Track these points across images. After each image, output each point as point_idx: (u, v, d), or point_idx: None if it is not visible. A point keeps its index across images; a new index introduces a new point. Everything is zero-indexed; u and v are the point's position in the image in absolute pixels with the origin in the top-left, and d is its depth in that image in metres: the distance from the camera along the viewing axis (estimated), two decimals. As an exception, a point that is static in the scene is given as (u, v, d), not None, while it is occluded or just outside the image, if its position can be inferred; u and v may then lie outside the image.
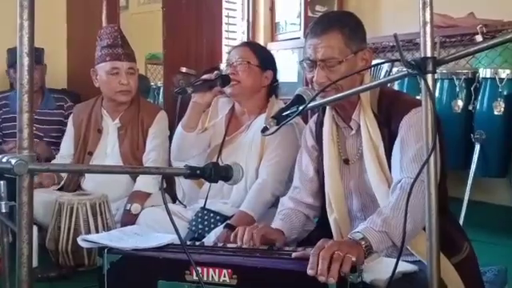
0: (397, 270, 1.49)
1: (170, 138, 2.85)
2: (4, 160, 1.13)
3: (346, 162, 2.05)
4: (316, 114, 2.23)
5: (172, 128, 2.63)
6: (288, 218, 2.12)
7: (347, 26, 1.95)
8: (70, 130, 3.33)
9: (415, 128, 1.82)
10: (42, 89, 3.78)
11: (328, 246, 1.53)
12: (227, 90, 2.66)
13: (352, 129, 2.02)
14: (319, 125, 2.15)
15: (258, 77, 2.68)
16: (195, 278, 1.61)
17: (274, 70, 2.76)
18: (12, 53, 3.72)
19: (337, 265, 1.48)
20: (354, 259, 1.50)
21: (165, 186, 2.99)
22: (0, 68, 3.83)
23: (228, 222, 2.42)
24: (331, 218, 2.03)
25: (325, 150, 2.07)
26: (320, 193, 2.16)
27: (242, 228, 1.96)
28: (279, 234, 1.99)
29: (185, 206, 2.76)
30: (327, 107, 2.08)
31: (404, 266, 1.62)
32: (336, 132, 2.08)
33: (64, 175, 3.17)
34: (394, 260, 1.54)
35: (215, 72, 2.61)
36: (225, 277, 1.60)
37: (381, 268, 1.62)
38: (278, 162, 2.52)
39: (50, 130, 3.63)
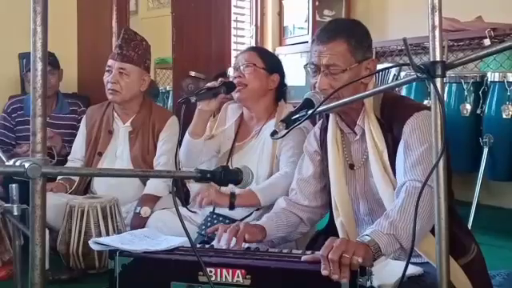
0: (399, 274, 1.51)
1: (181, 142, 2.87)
2: (17, 163, 1.14)
3: (351, 167, 2.07)
4: (321, 120, 2.25)
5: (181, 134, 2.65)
6: (276, 216, 2.15)
7: (353, 35, 1.97)
8: (82, 131, 3.36)
9: (418, 132, 1.84)
10: (57, 93, 3.81)
11: (336, 246, 1.55)
12: (235, 94, 2.67)
13: (356, 134, 2.04)
14: (323, 130, 2.17)
15: (264, 79, 2.69)
16: (210, 278, 1.63)
17: (281, 73, 2.76)
18: (28, 57, 3.76)
19: (347, 267, 1.51)
20: (360, 260, 1.53)
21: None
22: (13, 72, 3.86)
23: (233, 191, 2.45)
24: (337, 222, 2.05)
25: (329, 155, 2.08)
26: (318, 194, 2.19)
27: (222, 228, 1.99)
28: (259, 233, 2.02)
29: (195, 212, 2.77)
30: (331, 113, 2.10)
31: (410, 269, 1.63)
32: (340, 137, 2.09)
33: (76, 179, 3.20)
34: (401, 263, 1.55)
35: (219, 79, 2.63)
36: (238, 277, 1.62)
37: (388, 272, 1.63)
38: (296, 161, 2.52)
39: (63, 133, 3.66)
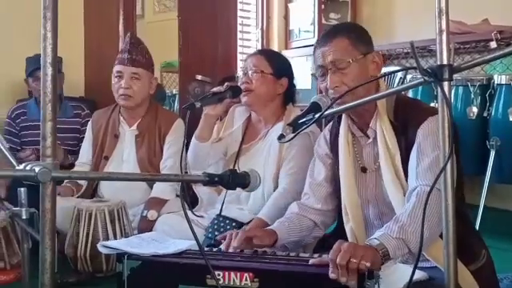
0: (405, 279, 1.51)
1: (187, 145, 2.88)
2: (28, 168, 1.14)
3: (364, 170, 2.05)
4: (330, 123, 2.24)
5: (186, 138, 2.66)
6: (288, 221, 2.14)
7: (353, 31, 2.01)
8: (88, 135, 3.37)
9: (432, 136, 1.83)
10: (60, 97, 3.82)
11: (344, 250, 1.55)
12: (242, 99, 2.68)
13: (369, 137, 2.03)
14: (334, 133, 2.16)
15: (271, 85, 2.69)
16: (217, 281, 1.64)
17: (290, 76, 2.76)
18: (30, 62, 3.77)
19: (354, 272, 1.52)
20: (368, 265, 1.53)
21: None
22: (18, 77, 3.87)
23: (245, 227, 2.44)
24: (347, 227, 2.04)
25: (341, 159, 2.08)
26: (331, 198, 2.18)
27: (230, 232, 2.00)
28: (269, 237, 2.01)
29: (202, 217, 2.77)
30: (343, 116, 2.09)
31: (415, 274, 1.63)
32: (352, 141, 2.08)
33: (83, 184, 3.21)
34: (408, 267, 1.55)
35: (226, 84, 2.63)
36: (246, 280, 1.62)
37: (394, 277, 1.63)
38: (296, 172, 2.53)
39: (67, 137, 3.67)
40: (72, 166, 3.41)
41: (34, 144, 3.57)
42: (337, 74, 1.95)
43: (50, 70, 1.17)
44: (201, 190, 2.87)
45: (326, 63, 1.96)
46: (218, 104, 2.62)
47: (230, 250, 1.94)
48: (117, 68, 3.16)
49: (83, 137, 3.50)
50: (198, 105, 2.46)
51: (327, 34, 2.02)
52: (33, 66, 3.72)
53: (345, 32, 1.99)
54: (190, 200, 2.98)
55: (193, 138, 2.73)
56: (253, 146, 2.75)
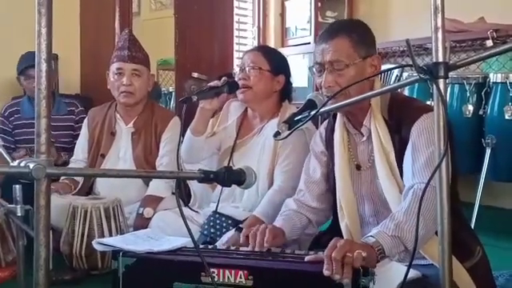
0: (399, 278, 1.51)
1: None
2: (22, 164, 1.14)
3: (358, 168, 2.06)
4: (326, 120, 2.24)
5: (182, 134, 2.64)
6: (289, 219, 2.14)
7: (355, 31, 1.98)
8: (84, 133, 3.36)
9: (426, 133, 1.83)
10: (53, 94, 3.80)
11: (340, 245, 1.56)
12: (239, 95, 2.68)
13: (363, 135, 2.03)
14: (330, 131, 2.16)
15: (269, 82, 2.69)
16: (212, 279, 1.64)
17: (287, 73, 2.76)
18: (21, 60, 3.75)
19: (349, 266, 1.52)
20: (364, 254, 1.53)
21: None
22: (14, 74, 3.86)
23: (240, 225, 2.44)
24: (342, 224, 2.04)
25: (336, 156, 2.08)
26: (325, 196, 2.19)
27: (253, 230, 1.97)
28: (283, 237, 2.02)
29: (197, 212, 2.77)
30: (338, 114, 2.09)
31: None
32: (347, 138, 2.09)
33: (80, 180, 3.20)
34: (403, 266, 1.55)
35: (223, 79, 2.63)
36: (241, 278, 1.62)
37: (389, 274, 1.63)
38: (291, 169, 2.53)
39: (60, 135, 3.66)
40: (65, 164, 3.40)
41: (27, 142, 3.55)
42: (333, 73, 1.95)
43: (44, 67, 1.16)
44: (194, 185, 2.87)
45: (324, 61, 1.96)
46: (215, 98, 2.62)
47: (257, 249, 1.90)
48: (116, 65, 3.15)
49: (77, 134, 3.49)
50: (194, 98, 2.44)
51: (329, 31, 2.01)
52: (24, 64, 3.69)
53: (347, 31, 1.97)
54: (186, 198, 2.98)
55: (187, 131, 2.72)
56: (247, 141, 2.75)
